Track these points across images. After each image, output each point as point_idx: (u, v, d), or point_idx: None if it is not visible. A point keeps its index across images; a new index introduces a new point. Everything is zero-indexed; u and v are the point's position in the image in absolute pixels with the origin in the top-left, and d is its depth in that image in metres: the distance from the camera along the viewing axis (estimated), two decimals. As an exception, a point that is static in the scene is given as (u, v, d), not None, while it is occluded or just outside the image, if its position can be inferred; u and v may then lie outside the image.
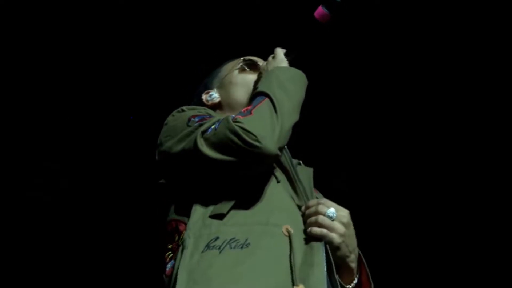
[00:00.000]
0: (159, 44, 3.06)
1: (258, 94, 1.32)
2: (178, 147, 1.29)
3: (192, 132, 1.28)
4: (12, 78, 3.14)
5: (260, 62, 1.61)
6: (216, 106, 1.60)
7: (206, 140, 1.22)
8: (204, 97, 1.62)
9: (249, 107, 1.28)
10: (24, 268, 3.45)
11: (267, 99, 1.28)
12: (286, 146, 1.38)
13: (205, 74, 1.73)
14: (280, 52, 1.48)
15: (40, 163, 3.48)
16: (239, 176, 1.27)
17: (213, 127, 1.23)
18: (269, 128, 1.21)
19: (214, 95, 1.61)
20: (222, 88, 1.62)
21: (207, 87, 1.65)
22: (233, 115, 1.25)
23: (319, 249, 1.20)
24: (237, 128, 1.18)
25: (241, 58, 1.62)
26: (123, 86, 3.27)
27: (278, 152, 1.23)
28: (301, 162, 1.55)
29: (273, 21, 2.76)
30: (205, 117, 1.34)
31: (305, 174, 1.44)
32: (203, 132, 1.23)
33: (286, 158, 1.37)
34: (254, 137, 1.17)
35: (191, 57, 3.06)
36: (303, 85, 1.40)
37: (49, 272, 3.47)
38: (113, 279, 3.49)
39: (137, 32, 3.03)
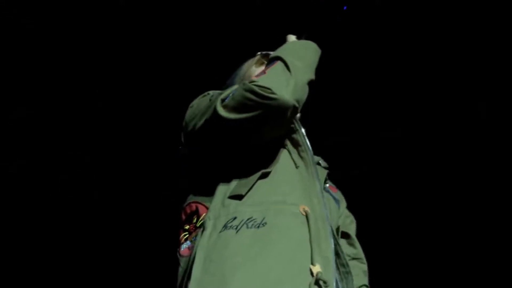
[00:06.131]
0: (167, 46, 3.10)
1: (271, 60, 1.37)
2: (202, 120, 1.34)
3: (213, 102, 1.31)
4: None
5: None
6: None
7: (225, 106, 1.26)
8: None
9: (263, 71, 1.33)
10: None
11: (279, 61, 1.33)
12: (309, 146, 1.41)
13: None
14: (291, 36, 1.56)
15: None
16: (263, 138, 1.31)
17: (231, 94, 1.28)
18: (284, 81, 1.25)
19: None
20: None
21: (229, 86, 1.70)
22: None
23: (328, 246, 1.20)
24: (252, 86, 1.22)
25: (258, 53, 1.66)
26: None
27: (296, 104, 1.26)
28: (320, 161, 1.59)
29: (278, 18, 2.79)
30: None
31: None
32: (223, 100, 1.28)
33: (307, 155, 1.38)
34: (269, 90, 1.21)
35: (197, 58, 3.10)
36: (315, 51, 1.43)
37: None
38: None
39: (138, 33, 3.06)
